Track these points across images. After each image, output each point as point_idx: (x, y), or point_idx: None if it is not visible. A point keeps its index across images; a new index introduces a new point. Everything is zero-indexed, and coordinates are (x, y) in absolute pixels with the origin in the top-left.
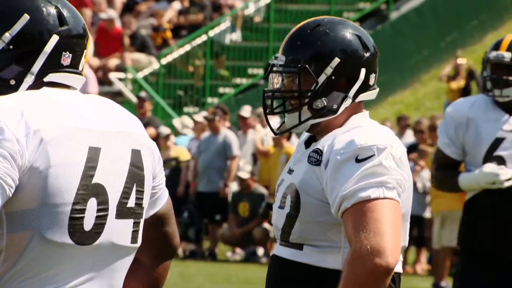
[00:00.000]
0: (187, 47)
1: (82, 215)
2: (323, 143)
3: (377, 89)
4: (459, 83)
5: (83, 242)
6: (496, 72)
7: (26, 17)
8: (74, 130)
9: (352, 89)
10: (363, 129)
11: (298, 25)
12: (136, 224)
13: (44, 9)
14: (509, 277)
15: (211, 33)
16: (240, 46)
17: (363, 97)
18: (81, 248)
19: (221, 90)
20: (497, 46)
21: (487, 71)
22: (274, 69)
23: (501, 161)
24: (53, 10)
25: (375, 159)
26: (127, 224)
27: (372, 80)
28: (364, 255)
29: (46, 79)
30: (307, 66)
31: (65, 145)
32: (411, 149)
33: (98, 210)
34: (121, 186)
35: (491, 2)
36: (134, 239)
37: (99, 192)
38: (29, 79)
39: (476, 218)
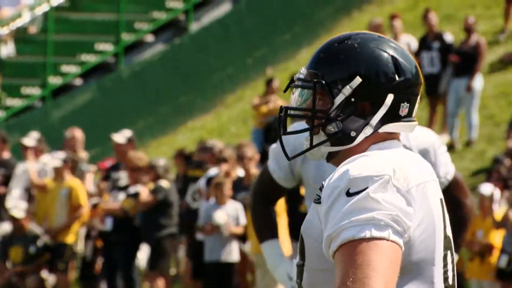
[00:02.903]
0: None
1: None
2: (327, 178)
3: (415, 122)
4: (269, 106)
5: None
6: None
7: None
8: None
9: (375, 116)
10: (365, 158)
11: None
12: None
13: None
14: None
15: None
16: (13, 62)
17: (390, 128)
18: None
19: None
20: None
21: None
22: (294, 83)
23: None
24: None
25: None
26: None
27: (403, 110)
28: None
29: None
30: (324, 82)
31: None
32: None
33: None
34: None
35: (305, 15)
36: None
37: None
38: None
39: None
